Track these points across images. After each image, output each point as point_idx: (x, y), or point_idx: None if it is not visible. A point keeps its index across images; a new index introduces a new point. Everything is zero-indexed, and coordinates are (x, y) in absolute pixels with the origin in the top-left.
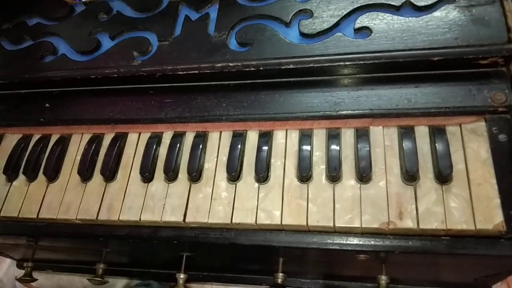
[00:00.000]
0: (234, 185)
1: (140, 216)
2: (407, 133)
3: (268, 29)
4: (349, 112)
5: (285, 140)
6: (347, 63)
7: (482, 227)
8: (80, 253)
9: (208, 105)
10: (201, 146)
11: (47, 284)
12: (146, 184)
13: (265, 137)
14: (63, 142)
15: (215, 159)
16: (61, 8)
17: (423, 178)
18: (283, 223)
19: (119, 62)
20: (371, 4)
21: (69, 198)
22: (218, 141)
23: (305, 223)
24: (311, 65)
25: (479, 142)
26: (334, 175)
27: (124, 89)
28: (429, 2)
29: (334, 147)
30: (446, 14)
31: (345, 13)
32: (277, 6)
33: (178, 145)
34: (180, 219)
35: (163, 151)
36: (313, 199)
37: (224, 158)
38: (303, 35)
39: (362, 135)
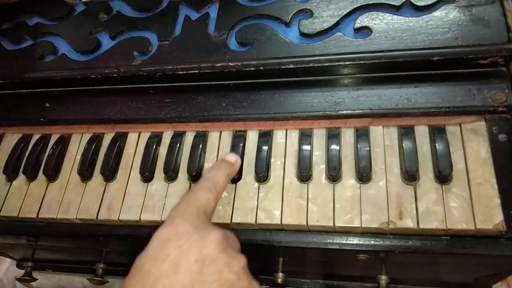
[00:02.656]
0: (234, 184)
1: (140, 215)
2: (407, 132)
3: (268, 29)
4: (349, 111)
5: (285, 140)
6: (347, 62)
7: (482, 226)
8: (80, 253)
9: (208, 104)
10: (201, 146)
11: (47, 284)
12: (146, 183)
13: (265, 137)
14: (63, 142)
15: (215, 159)
16: (61, 8)
17: (423, 177)
18: (283, 222)
19: (119, 62)
20: (371, 4)
21: (69, 198)
22: (218, 141)
23: (305, 223)
24: (311, 65)
25: (479, 142)
26: (334, 175)
27: (124, 89)
28: (429, 2)
29: (334, 146)
30: (446, 14)
31: (345, 13)
32: (277, 6)
33: (178, 144)
34: None
35: (163, 150)
36: (313, 199)
37: None
38: (303, 35)
39: (362, 134)
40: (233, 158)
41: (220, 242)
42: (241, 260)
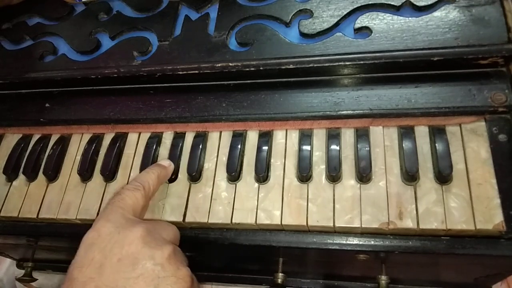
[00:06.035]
0: (234, 185)
1: None
2: (407, 133)
3: (268, 29)
4: (349, 112)
5: (285, 140)
6: (347, 63)
7: (482, 227)
8: None
9: (208, 105)
10: (201, 146)
11: (47, 284)
12: None
13: (265, 137)
14: (63, 142)
15: (215, 159)
16: (61, 8)
17: (423, 178)
18: (283, 223)
19: (119, 62)
20: (371, 4)
21: (69, 198)
22: (218, 141)
23: (305, 223)
24: (311, 65)
25: (479, 142)
26: (334, 175)
27: (124, 89)
28: (429, 2)
29: (334, 147)
30: (446, 14)
31: (345, 13)
32: (277, 6)
33: (178, 145)
34: (180, 219)
35: (163, 151)
36: (313, 199)
37: (224, 158)
38: (303, 35)
39: (362, 135)
40: (166, 162)
41: (142, 237)
42: (165, 250)
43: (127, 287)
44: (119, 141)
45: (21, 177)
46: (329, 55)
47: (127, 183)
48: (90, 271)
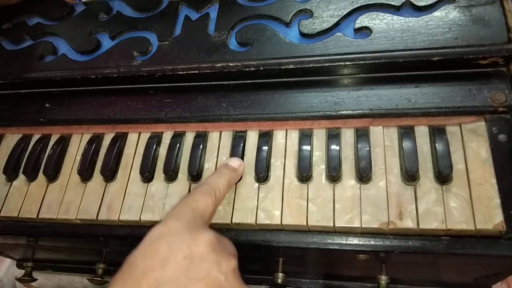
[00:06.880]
0: (234, 185)
1: (140, 216)
2: (407, 133)
3: (268, 29)
4: (349, 112)
5: (285, 140)
6: (347, 63)
7: (482, 227)
8: (80, 253)
9: (208, 105)
10: (201, 146)
11: (47, 284)
12: (146, 184)
13: (265, 137)
14: (63, 142)
15: (215, 159)
16: (61, 8)
17: (423, 178)
18: (283, 223)
19: (119, 62)
20: (371, 4)
21: (69, 198)
22: (218, 141)
23: (305, 223)
24: (311, 65)
25: (479, 142)
26: (334, 175)
27: (124, 89)
28: (429, 2)
29: (334, 147)
30: (446, 14)
31: (345, 13)
32: (277, 6)
33: (178, 145)
34: None
35: (163, 151)
36: (313, 199)
37: (224, 158)
38: (303, 35)
39: (362, 135)
40: (236, 163)
41: (212, 243)
42: (231, 262)
43: None
44: (119, 141)
45: (21, 177)
46: (329, 55)
47: (199, 184)
48: (153, 261)
